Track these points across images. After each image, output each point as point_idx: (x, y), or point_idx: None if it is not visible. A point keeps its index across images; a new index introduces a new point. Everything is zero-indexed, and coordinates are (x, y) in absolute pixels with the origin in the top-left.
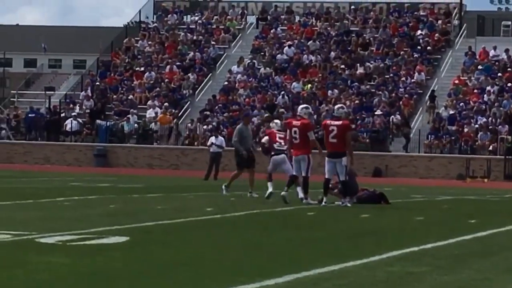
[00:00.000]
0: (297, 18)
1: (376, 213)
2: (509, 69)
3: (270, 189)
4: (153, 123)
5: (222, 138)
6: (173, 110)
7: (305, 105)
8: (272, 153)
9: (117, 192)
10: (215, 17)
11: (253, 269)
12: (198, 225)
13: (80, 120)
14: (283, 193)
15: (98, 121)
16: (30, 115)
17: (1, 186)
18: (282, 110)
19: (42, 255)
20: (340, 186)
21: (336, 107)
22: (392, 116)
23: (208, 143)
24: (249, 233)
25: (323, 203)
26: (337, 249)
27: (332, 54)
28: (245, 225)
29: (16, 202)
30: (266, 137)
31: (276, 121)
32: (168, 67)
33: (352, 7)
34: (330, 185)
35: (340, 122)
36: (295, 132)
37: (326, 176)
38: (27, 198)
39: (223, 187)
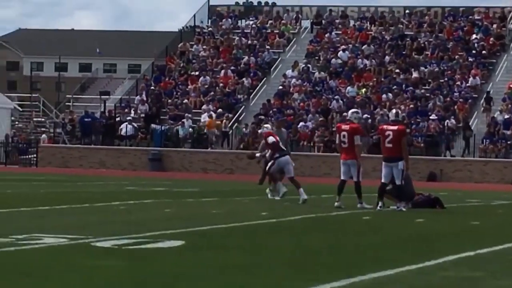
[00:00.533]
0: (352, 22)
1: (431, 217)
2: None
3: (284, 189)
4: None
5: None
6: (228, 115)
7: (355, 110)
8: (277, 154)
9: (172, 196)
10: (270, 21)
11: (308, 274)
12: (253, 229)
13: (135, 125)
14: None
15: (153, 126)
16: (86, 119)
17: (57, 191)
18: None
19: (98, 259)
20: (392, 189)
21: (392, 112)
22: (447, 121)
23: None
24: (304, 238)
25: (379, 208)
26: (392, 254)
27: (387, 58)
28: (300, 230)
29: (71, 206)
30: (271, 137)
31: (266, 125)
32: (222, 71)
33: (407, 11)
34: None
35: (396, 127)
36: (343, 136)
37: (383, 181)
38: (83, 202)
39: (271, 195)
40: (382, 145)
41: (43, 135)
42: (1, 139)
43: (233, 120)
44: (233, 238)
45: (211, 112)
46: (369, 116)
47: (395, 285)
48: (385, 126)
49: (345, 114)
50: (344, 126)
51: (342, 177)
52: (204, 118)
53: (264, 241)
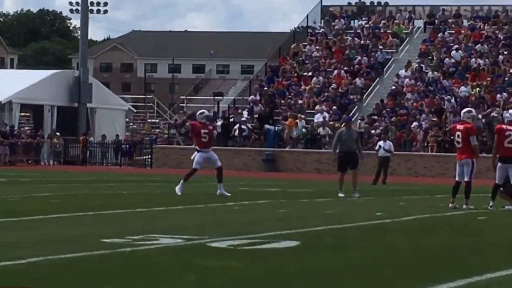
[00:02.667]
0: (465, 21)
1: None
2: None
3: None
4: (321, 128)
5: (391, 142)
6: (343, 115)
7: (468, 109)
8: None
9: (286, 197)
10: (383, 21)
11: (424, 274)
12: (368, 229)
13: (249, 125)
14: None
15: (266, 126)
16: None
17: (172, 191)
18: (494, 114)
19: (214, 260)
20: (508, 189)
21: (510, 112)
22: None
23: (376, 147)
24: (419, 238)
25: (489, 208)
26: (509, 254)
27: (501, 57)
28: (415, 230)
29: (186, 206)
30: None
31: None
32: (335, 71)
33: None
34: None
35: None
36: (458, 136)
37: (497, 182)
38: (198, 203)
39: (356, 195)
40: (500, 144)
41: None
42: (116, 140)
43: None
44: (348, 238)
45: (325, 113)
46: (475, 115)
47: None
48: (504, 126)
49: (494, 114)
50: (459, 126)
51: (457, 178)
52: (318, 118)
53: (380, 241)
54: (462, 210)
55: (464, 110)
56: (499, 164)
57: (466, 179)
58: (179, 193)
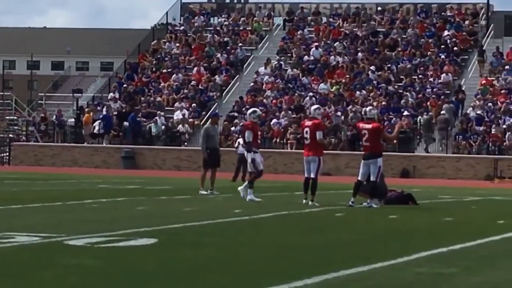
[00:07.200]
0: (324, 19)
1: (404, 214)
2: None
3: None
4: (180, 125)
5: None
6: (202, 112)
7: (317, 106)
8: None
9: (145, 194)
10: (242, 18)
11: (281, 271)
12: (226, 227)
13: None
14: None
15: (125, 123)
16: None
17: (29, 189)
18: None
19: (71, 258)
20: (365, 185)
21: (368, 108)
22: (420, 117)
23: (236, 145)
24: (277, 235)
25: (350, 203)
26: (365, 250)
27: (359, 55)
28: (273, 227)
29: (44, 204)
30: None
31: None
32: (195, 69)
33: (379, 8)
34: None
35: (370, 125)
36: (306, 132)
37: (359, 178)
38: (56, 200)
39: (201, 192)
40: (362, 142)
41: None
42: None
43: (205, 118)
44: (206, 235)
45: (184, 110)
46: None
47: (369, 282)
48: (361, 125)
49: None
50: (307, 123)
51: (306, 175)
52: (177, 115)
53: (238, 238)
54: (320, 207)
55: (314, 107)
56: (362, 161)
57: (312, 175)
58: (258, 200)
